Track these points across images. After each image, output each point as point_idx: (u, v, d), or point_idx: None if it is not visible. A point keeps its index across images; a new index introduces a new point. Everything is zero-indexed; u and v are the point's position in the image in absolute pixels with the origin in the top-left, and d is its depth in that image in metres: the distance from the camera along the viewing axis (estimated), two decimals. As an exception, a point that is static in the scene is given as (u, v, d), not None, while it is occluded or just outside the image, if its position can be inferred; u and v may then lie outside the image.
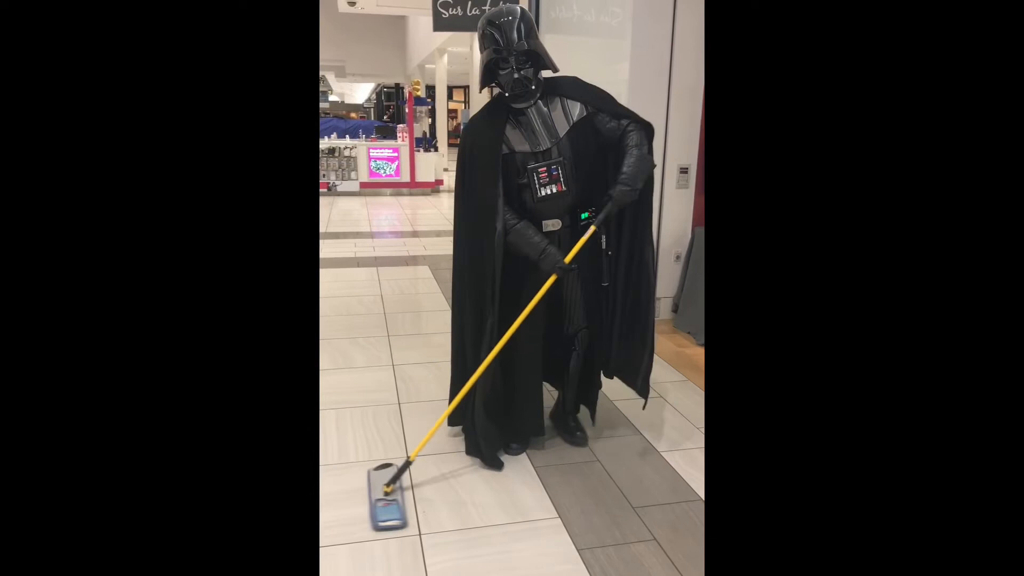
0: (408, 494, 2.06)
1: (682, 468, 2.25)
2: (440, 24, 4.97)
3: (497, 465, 2.23)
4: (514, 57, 2.01)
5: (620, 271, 2.24)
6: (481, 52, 2.08)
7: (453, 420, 2.35)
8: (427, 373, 3.03)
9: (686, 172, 3.65)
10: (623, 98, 3.63)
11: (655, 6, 3.44)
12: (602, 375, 2.43)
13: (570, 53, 4.63)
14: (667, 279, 3.75)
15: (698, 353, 3.34)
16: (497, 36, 2.01)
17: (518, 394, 2.25)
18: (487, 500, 2.05)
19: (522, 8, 2.06)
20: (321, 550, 1.79)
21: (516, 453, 2.31)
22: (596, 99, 2.14)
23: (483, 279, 2.11)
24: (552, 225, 2.12)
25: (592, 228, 2.07)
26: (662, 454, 2.35)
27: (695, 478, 2.19)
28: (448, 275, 4.82)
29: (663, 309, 3.80)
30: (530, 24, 2.03)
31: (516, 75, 2.02)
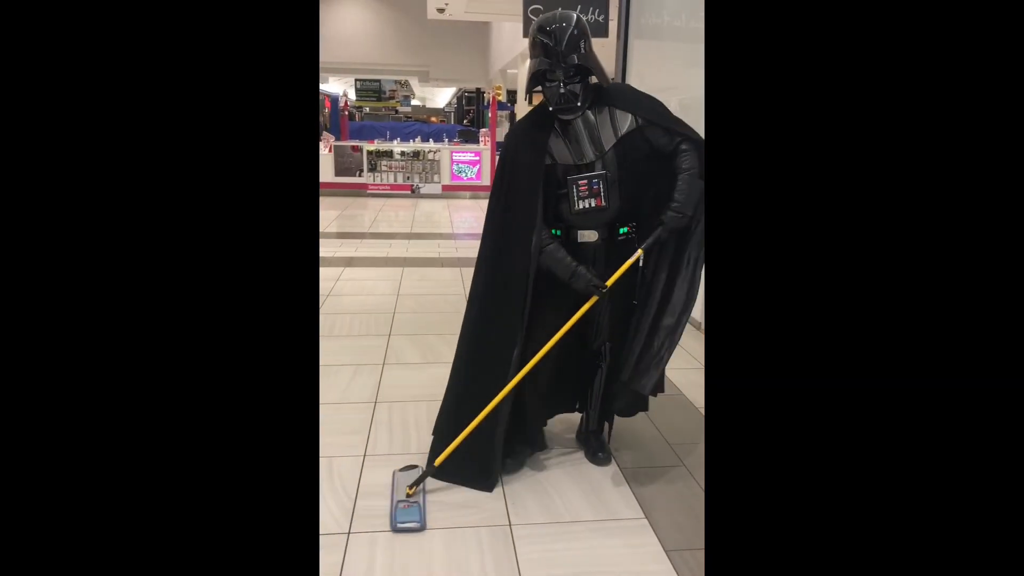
0: (430, 497, 2.06)
1: (771, 478, 2.23)
2: (530, 30, 5.05)
3: (493, 484, 2.13)
4: (562, 70, 1.92)
5: (654, 294, 2.08)
6: (530, 59, 2.00)
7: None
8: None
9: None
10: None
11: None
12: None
13: (659, 58, 4.62)
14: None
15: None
16: (547, 45, 1.91)
17: (529, 408, 2.21)
18: (574, 496, 2.09)
19: (577, 16, 1.96)
20: (417, 533, 1.88)
21: (512, 470, 2.22)
22: (648, 111, 2.05)
23: (514, 297, 2.04)
24: (588, 236, 2.05)
25: (639, 252, 1.99)
26: (750, 463, 2.33)
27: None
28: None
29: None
30: (583, 33, 1.94)
31: (562, 89, 1.93)
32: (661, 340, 2.02)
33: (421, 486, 2.06)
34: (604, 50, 6.04)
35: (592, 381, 2.27)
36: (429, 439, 2.42)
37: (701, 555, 1.82)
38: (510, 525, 1.94)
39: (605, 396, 2.27)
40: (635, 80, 5.02)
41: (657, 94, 2.16)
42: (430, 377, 3.00)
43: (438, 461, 2.08)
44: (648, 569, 1.77)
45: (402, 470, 2.17)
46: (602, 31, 5.61)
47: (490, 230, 2.13)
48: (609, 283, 1.99)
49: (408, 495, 2.02)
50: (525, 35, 5.22)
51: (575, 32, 1.91)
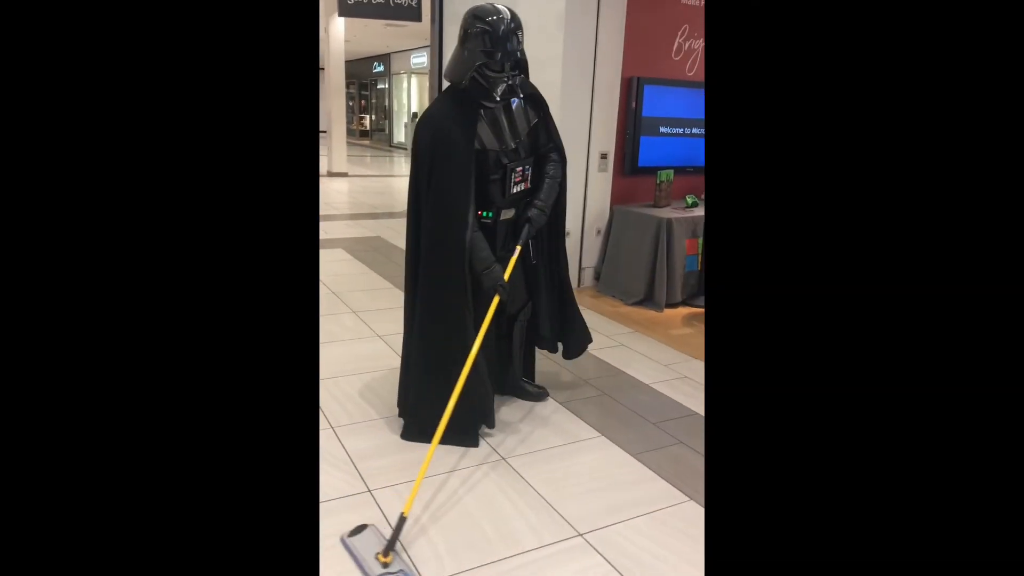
0: (404, 556, 1.70)
1: (669, 393, 2.81)
2: (345, 10, 5.05)
3: (476, 441, 2.29)
4: (508, 64, 2.05)
5: (544, 256, 2.48)
6: (463, 45, 2.07)
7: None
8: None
9: (605, 157, 4.21)
10: (558, 96, 4.03)
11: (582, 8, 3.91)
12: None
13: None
14: (590, 251, 4.31)
15: (632, 311, 3.94)
16: (491, 37, 2.00)
17: (482, 386, 2.29)
18: (539, 429, 2.44)
19: (511, 10, 2.05)
20: (433, 477, 2.08)
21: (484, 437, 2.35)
22: (543, 110, 2.31)
23: (457, 279, 2.12)
24: (508, 214, 2.28)
25: (519, 248, 2.23)
26: (650, 385, 2.89)
27: (683, 398, 2.76)
28: (366, 257, 4.93)
29: (587, 277, 4.36)
30: (520, 27, 2.06)
31: (509, 81, 2.09)
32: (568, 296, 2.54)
33: (396, 546, 1.71)
34: (420, 32, 6.18)
35: (513, 339, 2.54)
36: (383, 407, 2.56)
37: (657, 453, 2.31)
38: (503, 458, 2.22)
39: (530, 342, 2.60)
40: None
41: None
42: (360, 353, 3.08)
43: (406, 510, 1.77)
44: (626, 470, 2.19)
45: (351, 535, 1.76)
46: (415, 15, 5.80)
47: (425, 212, 2.15)
48: (507, 278, 2.18)
49: (386, 564, 1.64)
50: (341, 15, 5.20)
51: (514, 25, 2.04)
